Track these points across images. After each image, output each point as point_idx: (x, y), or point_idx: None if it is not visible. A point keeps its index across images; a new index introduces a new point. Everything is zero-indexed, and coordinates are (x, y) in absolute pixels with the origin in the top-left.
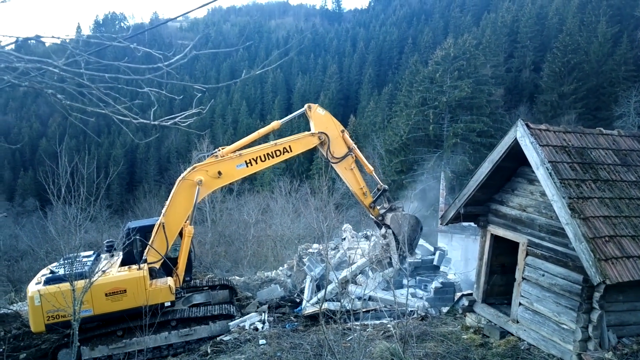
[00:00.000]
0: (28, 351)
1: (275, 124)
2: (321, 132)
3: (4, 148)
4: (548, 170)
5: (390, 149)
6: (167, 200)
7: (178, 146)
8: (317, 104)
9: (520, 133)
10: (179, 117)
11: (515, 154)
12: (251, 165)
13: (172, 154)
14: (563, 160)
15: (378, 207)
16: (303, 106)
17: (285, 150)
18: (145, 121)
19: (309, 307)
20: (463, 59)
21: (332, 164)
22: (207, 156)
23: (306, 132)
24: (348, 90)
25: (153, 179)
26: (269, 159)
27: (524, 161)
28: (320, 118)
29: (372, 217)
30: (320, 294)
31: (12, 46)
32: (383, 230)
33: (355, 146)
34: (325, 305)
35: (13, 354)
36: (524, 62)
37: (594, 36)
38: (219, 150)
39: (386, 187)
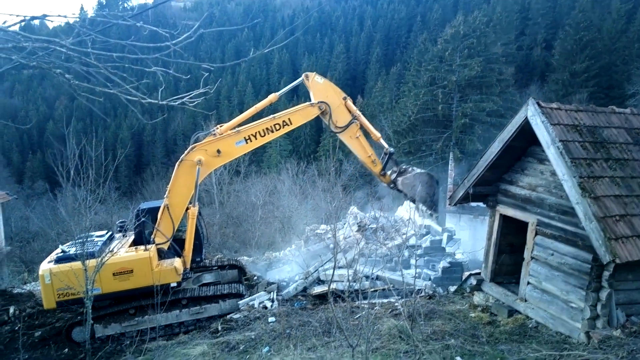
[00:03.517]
0: (43, 329)
1: (272, 97)
2: (321, 102)
3: (12, 131)
4: (559, 149)
5: (398, 130)
6: (169, 182)
7: (184, 128)
8: (314, 72)
9: (531, 112)
10: (187, 97)
11: (526, 133)
12: (250, 141)
13: (178, 136)
14: (574, 139)
15: (389, 173)
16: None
17: (285, 124)
18: (153, 101)
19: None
20: (473, 37)
21: (336, 134)
22: (205, 135)
23: (306, 103)
24: (355, 70)
25: (160, 161)
26: (268, 133)
27: (534, 140)
28: (318, 87)
29: (385, 184)
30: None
31: (17, 27)
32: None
33: (360, 113)
34: (334, 285)
35: (28, 332)
36: (536, 39)
37: (607, 13)
38: (217, 129)
39: (392, 150)
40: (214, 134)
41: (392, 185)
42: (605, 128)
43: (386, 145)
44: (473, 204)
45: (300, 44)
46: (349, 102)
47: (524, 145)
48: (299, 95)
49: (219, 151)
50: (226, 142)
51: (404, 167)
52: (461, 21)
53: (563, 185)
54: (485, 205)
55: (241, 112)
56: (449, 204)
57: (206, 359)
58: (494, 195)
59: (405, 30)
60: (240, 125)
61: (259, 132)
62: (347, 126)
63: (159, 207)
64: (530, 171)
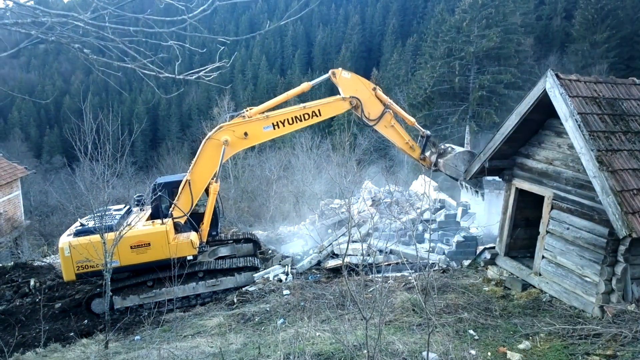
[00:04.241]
0: (63, 301)
1: (305, 86)
2: (352, 97)
3: (29, 106)
4: (577, 122)
5: (414, 103)
6: (193, 157)
7: (199, 103)
8: (340, 68)
9: (549, 84)
10: (203, 71)
11: (544, 105)
12: (278, 127)
13: (193, 111)
14: (593, 112)
15: (428, 155)
16: (324, 61)
17: (314, 114)
18: (170, 75)
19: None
20: (492, 7)
21: (371, 126)
22: (234, 116)
23: (337, 96)
24: (370, 42)
25: (175, 136)
26: (296, 122)
27: (552, 113)
28: (347, 82)
29: (426, 166)
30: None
31: (32, 2)
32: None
33: (392, 101)
34: (348, 259)
35: (49, 304)
36: (556, 9)
37: None
38: (247, 111)
39: (429, 132)
40: (243, 116)
41: (433, 168)
42: (625, 100)
43: (422, 129)
44: (489, 177)
45: (315, 16)
46: (379, 91)
47: (542, 118)
48: (313, 68)
49: (246, 134)
50: (254, 126)
51: (442, 147)
52: None
53: (580, 158)
54: (501, 179)
55: (255, 86)
56: (465, 178)
57: (222, 330)
58: (510, 169)
59: (422, 0)
60: (270, 110)
61: (287, 119)
62: (380, 117)
63: (175, 181)
64: (548, 144)
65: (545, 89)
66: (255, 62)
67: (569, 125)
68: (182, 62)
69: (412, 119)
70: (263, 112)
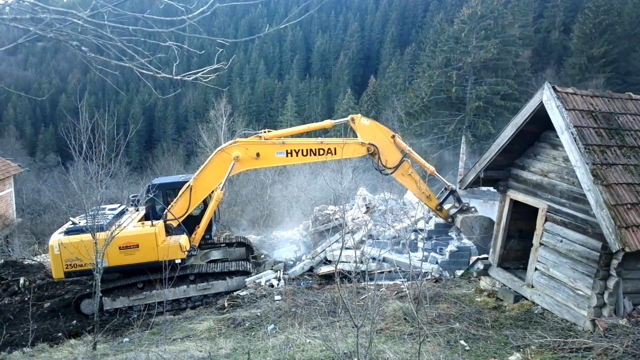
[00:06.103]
0: (52, 300)
1: (327, 123)
2: (371, 144)
3: (25, 103)
4: (573, 135)
5: (411, 112)
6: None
7: (195, 105)
8: (359, 115)
9: (546, 96)
10: (201, 73)
11: (540, 118)
12: (291, 156)
13: (189, 113)
14: (589, 125)
15: (446, 209)
16: (322, 67)
17: (329, 151)
18: (167, 75)
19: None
20: (490, 18)
21: (388, 174)
22: (251, 134)
23: (356, 139)
24: (369, 49)
25: (171, 138)
26: (310, 155)
27: (548, 125)
28: (365, 128)
29: (441, 218)
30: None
31: None
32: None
33: (411, 149)
34: (340, 265)
35: (38, 303)
36: (554, 22)
37: None
38: (264, 132)
39: (454, 187)
40: (260, 137)
41: (449, 220)
42: (621, 115)
43: (447, 182)
44: (483, 188)
45: (314, 22)
46: (398, 139)
47: (538, 130)
48: (311, 74)
49: (258, 154)
50: (268, 149)
51: (467, 205)
52: (479, 1)
53: (575, 171)
54: (495, 190)
55: (252, 90)
56: (460, 188)
57: (212, 334)
58: (505, 180)
59: (421, 9)
60: (288, 137)
61: (302, 150)
62: (398, 165)
63: (170, 183)
64: (543, 157)
65: (542, 101)
66: (253, 65)
67: (565, 138)
68: (180, 63)
69: (432, 168)
70: (280, 138)
